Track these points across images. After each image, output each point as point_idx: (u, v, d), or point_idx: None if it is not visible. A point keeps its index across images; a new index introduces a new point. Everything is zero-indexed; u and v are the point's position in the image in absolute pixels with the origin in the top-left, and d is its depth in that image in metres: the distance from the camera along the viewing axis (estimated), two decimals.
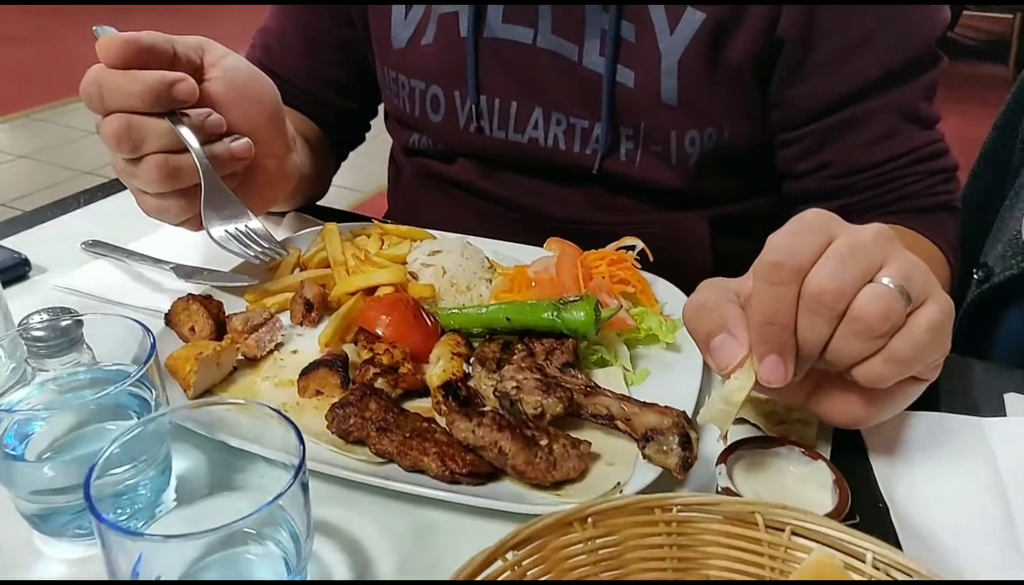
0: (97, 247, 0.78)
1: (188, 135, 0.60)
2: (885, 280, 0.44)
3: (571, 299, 0.60)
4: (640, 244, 0.73)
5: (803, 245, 0.45)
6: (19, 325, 0.52)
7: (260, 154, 0.67)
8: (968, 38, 5.61)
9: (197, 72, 0.64)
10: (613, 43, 0.76)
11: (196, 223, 0.65)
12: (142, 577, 0.37)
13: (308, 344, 0.65)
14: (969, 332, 1.03)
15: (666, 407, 0.52)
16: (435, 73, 0.84)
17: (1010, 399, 0.65)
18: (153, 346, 0.47)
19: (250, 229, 0.65)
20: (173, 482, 0.46)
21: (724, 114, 0.78)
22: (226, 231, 0.64)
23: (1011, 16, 4.76)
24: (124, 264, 0.75)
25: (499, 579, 0.36)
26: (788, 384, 0.51)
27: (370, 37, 0.88)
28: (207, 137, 0.62)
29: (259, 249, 0.65)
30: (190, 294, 0.64)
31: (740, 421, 0.58)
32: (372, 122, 1.04)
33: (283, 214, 0.86)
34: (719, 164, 0.81)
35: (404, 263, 0.71)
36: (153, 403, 0.48)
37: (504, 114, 0.83)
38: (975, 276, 1.01)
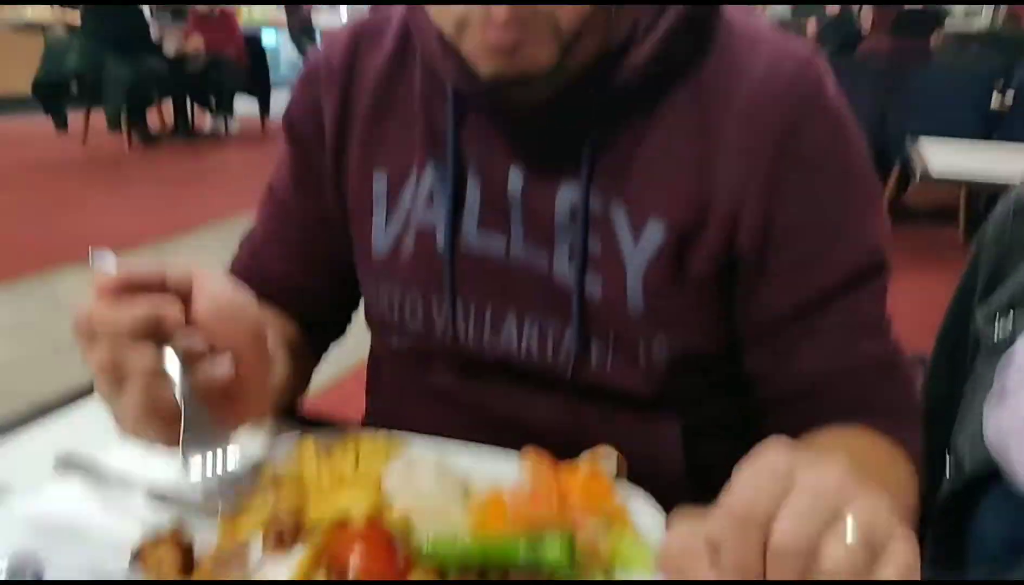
0: (70, 464, 0.77)
1: (172, 363, 0.62)
2: (848, 534, 0.45)
3: (546, 534, 0.59)
4: (615, 456, 0.73)
5: (764, 493, 0.46)
6: None
7: (241, 372, 0.68)
8: (919, 204, 5.94)
9: (186, 297, 0.66)
10: (581, 254, 0.80)
11: (173, 446, 0.65)
12: None
13: (281, 572, 0.63)
14: (947, 529, 1.01)
15: None
16: (413, 281, 0.87)
17: None
18: None
19: (227, 463, 0.65)
20: None
21: (690, 322, 0.81)
22: (203, 462, 0.64)
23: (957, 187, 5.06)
24: (96, 483, 0.74)
25: None
26: None
27: (351, 242, 0.92)
28: (189, 359, 0.64)
29: (229, 493, 0.65)
30: (158, 531, 0.63)
31: None
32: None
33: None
34: (688, 368, 0.83)
35: (379, 484, 0.71)
36: None
37: (479, 319, 0.86)
38: (946, 474, 1.01)
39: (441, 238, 0.84)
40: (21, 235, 4.64)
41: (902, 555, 0.46)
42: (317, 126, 0.90)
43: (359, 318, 1.02)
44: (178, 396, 0.62)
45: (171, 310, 0.62)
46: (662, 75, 0.77)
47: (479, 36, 0.68)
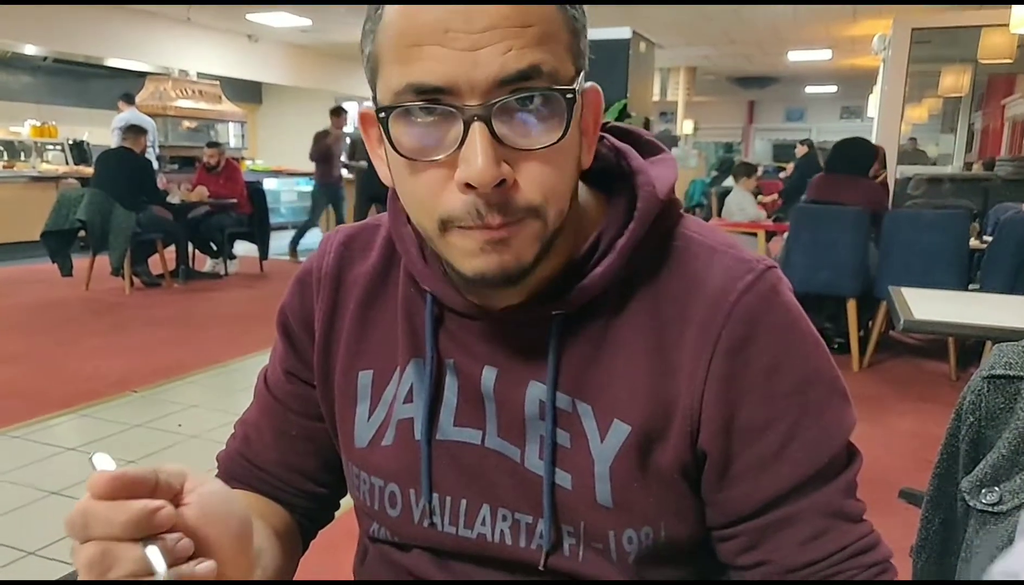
0: None
1: (158, 561, 0.63)
2: None
3: None
4: None
5: None
6: None
7: (224, 572, 0.69)
8: (908, 339, 5.98)
9: (176, 497, 0.68)
10: (550, 448, 0.83)
11: None
12: None
13: None
14: None
15: None
16: (393, 472, 0.90)
17: None
18: None
19: None
20: None
21: (658, 515, 0.83)
22: None
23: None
24: None
25: None
26: None
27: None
28: (175, 560, 0.65)
29: None
30: None
31: None
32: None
33: None
34: (661, 559, 0.85)
35: None
36: None
37: (455, 511, 0.88)
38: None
39: (419, 430, 0.88)
40: (22, 380, 4.65)
41: None
42: (308, 325, 0.96)
43: None
44: None
45: (162, 513, 0.65)
46: (623, 285, 0.83)
47: (470, 235, 0.72)
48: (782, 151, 19.10)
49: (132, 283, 7.42)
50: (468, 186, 0.69)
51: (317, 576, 1.10)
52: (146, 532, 0.64)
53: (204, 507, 0.70)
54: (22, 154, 10.70)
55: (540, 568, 0.84)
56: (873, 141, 6.74)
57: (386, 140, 0.73)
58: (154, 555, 0.64)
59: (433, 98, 0.69)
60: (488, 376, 0.86)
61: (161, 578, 0.63)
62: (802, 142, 11.57)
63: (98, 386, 4.49)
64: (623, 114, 6.54)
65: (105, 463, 0.68)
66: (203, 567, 0.67)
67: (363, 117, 0.82)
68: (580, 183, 0.83)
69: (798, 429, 0.80)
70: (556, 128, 0.71)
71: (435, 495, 0.88)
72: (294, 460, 0.99)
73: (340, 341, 0.94)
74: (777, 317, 0.81)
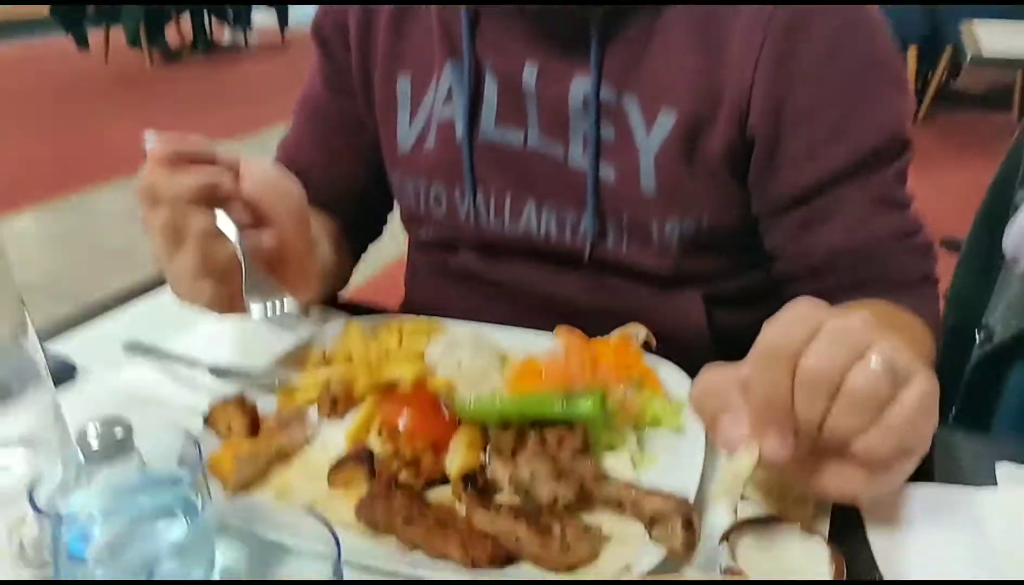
0: (137, 349, 0.83)
1: (226, 225, 0.66)
2: (872, 361, 0.49)
3: (579, 391, 0.64)
4: (643, 331, 0.78)
5: (794, 333, 0.51)
6: (75, 436, 0.57)
7: (285, 246, 0.73)
8: (971, 88, 5.67)
9: (234, 173, 0.70)
10: (594, 143, 0.83)
11: (226, 306, 0.70)
12: None
13: (336, 438, 0.69)
14: (976, 394, 1.06)
15: (668, 493, 0.56)
16: (436, 173, 0.92)
17: (1002, 468, 0.68)
18: (200, 454, 0.51)
19: (284, 306, 0.70)
20: (217, 577, 0.50)
21: (702, 204, 0.84)
22: (263, 306, 0.70)
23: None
24: (163, 365, 0.81)
25: None
26: (790, 462, 0.56)
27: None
28: (241, 228, 0.68)
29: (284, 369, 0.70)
30: (225, 396, 0.69)
31: (743, 499, 0.62)
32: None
33: (307, 313, 0.92)
34: (703, 247, 0.87)
35: (422, 357, 0.76)
36: (199, 503, 0.53)
37: (500, 207, 0.90)
38: (977, 338, 1.05)
39: (460, 130, 0.88)
40: (55, 154, 4.71)
41: (922, 383, 0.51)
42: (343, 35, 0.94)
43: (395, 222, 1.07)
44: (238, 250, 0.66)
45: (225, 178, 0.67)
46: None
47: None
48: None
49: (151, 56, 7.23)
50: None
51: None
52: (212, 196, 0.66)
53: (262, 182, 0.72)
54: None
55: (585, 258, 0.87)
56: None
57: None
58: (223, 219, 0.67)
59: None
60: (529, 72, 0.83)
61: (232, 239, 0.66)
62: None
63: (136, 158, 4.53)
64: None
65: (158, 140, 0.69)
66: (265, 237, 0.70)
67: None
68: None
69: (852, 113, 0.78)
70: None
71: (479, 194, 0.90)
72: (340, 168, 1.00)
73: (377, 47, 0.92)
74: None
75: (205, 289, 0.67)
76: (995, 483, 0.66)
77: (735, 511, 0.55)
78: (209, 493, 0.54)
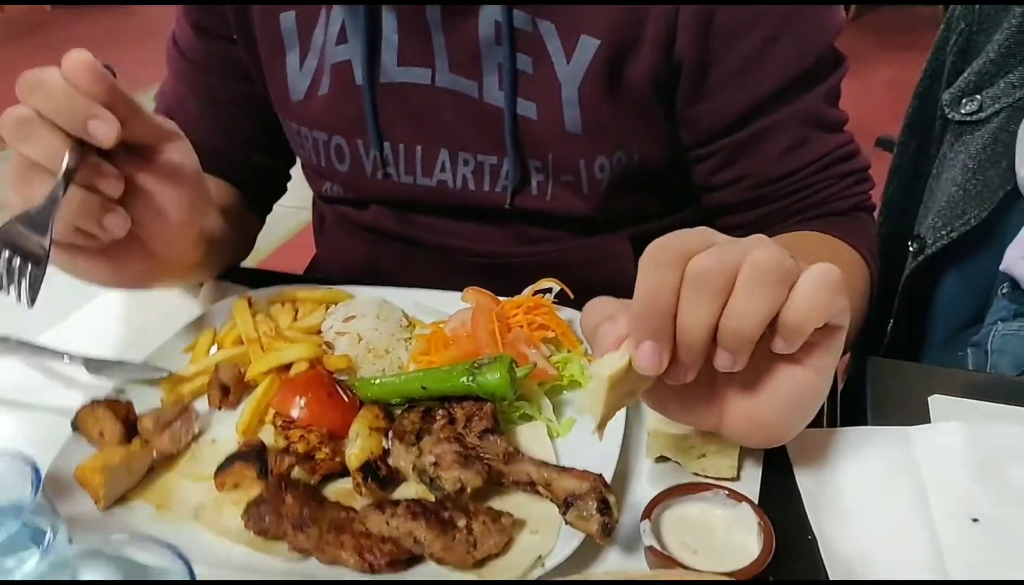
0: (3, 344, 0.75)
1: (69, 158, 0.56)
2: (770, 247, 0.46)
3: (485, 361, 0.59)
4: (558, 285, 0.72)
5: (688, 238, 0.47)
6: None
7: (165, 213, 0.63)
8: None
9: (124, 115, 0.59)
10: (511, 76, 0.75)
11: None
12: None
13: (227, 431, 0.63)
14: (910, 304, 1.05)
15: (584, 471, 0.51)
16: (335, 124, 0.83)
17: (934, 402, 0.65)
18: (39, 485, 0.45)
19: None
20: None
21: (631, 137, 0.78)
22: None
23: None
24: (31, 360, 0.73)
25: None
26: (697, 410, 0.52)
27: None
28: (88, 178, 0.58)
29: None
30: (94, 399, 0.61)
31: (663, 459, 0.58)
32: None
33: (200, 284, 0.84)
34: (632, 186, 0.81)
35: (319, 332, 0.70)
36: (50, 533, 0.46)
37: (410, 159, 0.82)
38: (910, 248, 1.03)
39: (359, 74, 0.79)
40: None
41: (827, 265, 0.47)
42: None
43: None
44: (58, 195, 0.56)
45: (108, 123, 0.56)
46: None
47: None
48: None
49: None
50: None
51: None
52: (80, 129, 0.55)
53: (157, 127, 0.62)
54: None
55: (506, 206, 0.81)
56: None
57: None
58: (72, 153, 0.56)
59: None
60: (432, 7, 0.74)
61: (59, 175, 0.56)
62: None
63: None
64: None
65: None
66: (113, 218, 0.60)
67: None
68: None
69: (784, 27, 0.72)
70: None
71: (386, 144, 0.81)
72: (229, 129, 0.89)
73: None
74: None
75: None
76: (927, 416, 0.64)
77: (602, 426, 0.49)
78: (58, 520, 0.47)
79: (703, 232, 0.48)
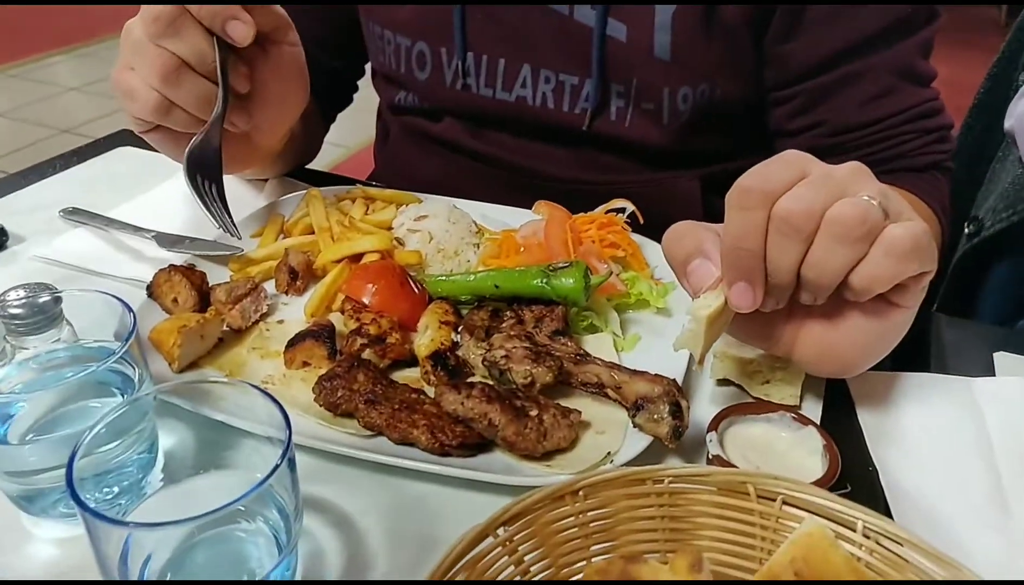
0: (76, 215, 0.76)
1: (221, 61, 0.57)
2: (861, 196, 0.45)
3: (560, 265, 0.59)
4: (630, 206, 0.72)
5: (775, 173, 0.46)
6: None
7: (266, 105, 0.65)
8: None
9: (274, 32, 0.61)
10: None
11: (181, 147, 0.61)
12: (131, 556, 0.37)
13: (294, 313, 0.64)
14: (959, 288, 1.03)
15: (656, 375, 0.51)
16: (421, 29, 0.82)
17: (999, 358, 0.65)
18: (134, 323, 0.46)
19: (216, 195, 0.61)
20: (160, 460, 0.46)
21: (717, 70, 0.76)
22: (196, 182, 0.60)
23: None
24: (104, 232, 0.74)
25: (490, 555, 0.36)
26: (772, 335, 0.52)
27: None
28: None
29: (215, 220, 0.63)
30: (172, 265, 0.62)
31: (726, 383, 0.58)
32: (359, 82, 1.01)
33: (266, 179, 0.85)
34: (710, 122, 0.79)
35: (390, 228, 0.70)
36: (136, 379, 0.47)
37: (492, 72, 0.81)
38: (966, 230, 1.01)
39: None
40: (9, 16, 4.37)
41: (917, 224, 0.45)
42: None
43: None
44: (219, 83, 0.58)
45: (243, 22, 0.58)
46: None
47: None
48: None
49: None
50: None
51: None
52: (220, 28, 0.57)
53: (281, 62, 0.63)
54: None
55: (583, 130, 0.80)
56: None
57: None
58: (220, 53, 0.57)
59: None
60: None
61: (219, 87, 0.58)
62: None
63: (90, 25, 4.20)
64: None
65: None
66: (239, 115, 0.62)
67: None
68: None
69: None
70: None
71: (470, 54, 0.80)
72: (308, 28, 0.87)
73: None
74: None
75: (179, 117, 0.59)
76: (991, 372, 0.63)
77: (701, 361, 0.50)
78: (148, 370, 0.48)
79: (796, 162, 0.46)
